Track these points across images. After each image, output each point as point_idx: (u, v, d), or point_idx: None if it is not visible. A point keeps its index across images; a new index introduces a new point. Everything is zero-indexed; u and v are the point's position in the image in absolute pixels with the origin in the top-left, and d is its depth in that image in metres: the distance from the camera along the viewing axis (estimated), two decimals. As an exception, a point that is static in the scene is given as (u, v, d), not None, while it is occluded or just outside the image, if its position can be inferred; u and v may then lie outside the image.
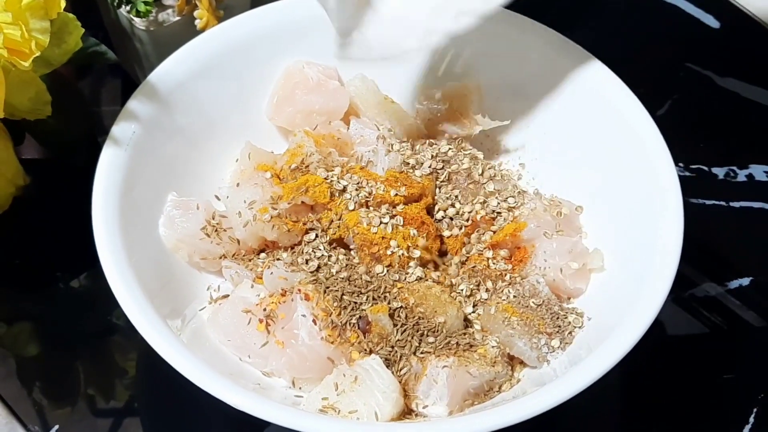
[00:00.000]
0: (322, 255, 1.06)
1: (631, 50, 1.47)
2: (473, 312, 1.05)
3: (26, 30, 0.93)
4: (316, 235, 1.08)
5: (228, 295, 1.06)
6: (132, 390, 1.13)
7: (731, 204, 1.31)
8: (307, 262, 1.06)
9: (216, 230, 1.08)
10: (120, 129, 1.05)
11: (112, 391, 1.12)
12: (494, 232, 1.11)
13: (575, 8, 1.48)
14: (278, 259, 1.07)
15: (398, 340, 0.99)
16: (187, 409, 1.06)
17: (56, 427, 1.08)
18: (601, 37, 1.42)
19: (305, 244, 1.08)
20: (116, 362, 1.15)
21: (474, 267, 1.08)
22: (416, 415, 0.97)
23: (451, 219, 1.13)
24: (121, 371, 1.14)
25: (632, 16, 1.55)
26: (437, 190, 1.15)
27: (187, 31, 1.21)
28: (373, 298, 1.01)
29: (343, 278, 1.02)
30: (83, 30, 1.04)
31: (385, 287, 1.02)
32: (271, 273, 1.03)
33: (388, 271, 1.05)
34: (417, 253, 1.05)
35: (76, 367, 1.14)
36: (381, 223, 1.06)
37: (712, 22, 1.52)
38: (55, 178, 1.27)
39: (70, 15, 1.02)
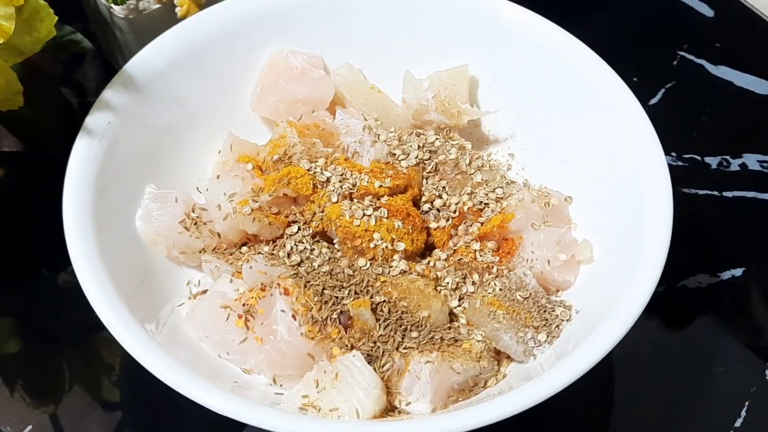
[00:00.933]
0: (305, 248, 1.05)
1: (624, 39, 1.47)
2: (459, 306, 1.04)
3: (-12, 16, 0.91)
4: (299, 228, 1.07)
5: (207, 290, 1.05)
6: (118, 388, 1.12)
7: (724, 194, 1.29)
8: (288, 255, 1.04)
9: (195, 223, 1.07)
10: (94, 120, 1.03)
11: (96, 390, 1.11)
12: (482, 224, 1.10)
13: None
14: (259, 253, 1.05)
15: (381, 335, 0.97)
16: (175, 406, 1.04)
17: (30, 427, 1.06)
18: (593, 25, 1.41)
19: (287, 238, 1.06)
20: (102, 359, 1.13)
21: (460, 259, 1.06)
22: (399, 412, 0.96)
23: (438, 210, 1.12)
24: (107, 368, 1.13)
25: (626, 4, 1.54)
26: (424, 181, 1.13)
27: (167, 18, 1.19)
28: (356, 293, 0.99)
29: (324, 272, 1.01)
30: (56, 18, 1.02)
31: (368, 281, 1.00)
32: (250, 267, 1.02)
33: (371, 264, 1.03)
34: (401, 246, 1.03)
35: (58, 365, 1.13)
36: (364, 215, 1.04)
37: (705, 10, 1.51)
38: (32, 171, 1.26)
39: (42, 2, 1.00)
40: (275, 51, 1.19)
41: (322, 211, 1.06)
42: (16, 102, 1.04)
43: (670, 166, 1.01)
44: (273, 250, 1.06)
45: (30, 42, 1.02)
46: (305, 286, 0.98)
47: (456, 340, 0.99)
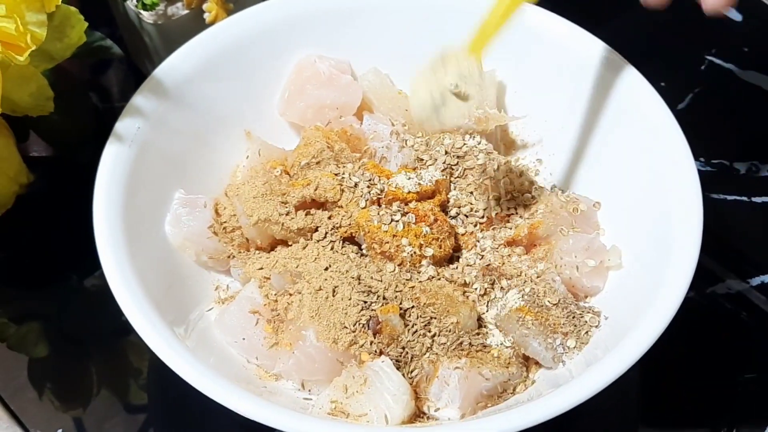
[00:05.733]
0: (333, 253, 1.04)
1: (651, 43, 1.46)
2: (487, 311, 1.03)
3: (21, 23, 0.91)
4: (326, 233, 1.06)
5: (235, 295, 1.05)
6: (144, 392, 1.11)
7: (753, 199, 1.28)
8: (316, 260, 1.03)
9: (224, 228, 1.07)
10: (124, 125, 1.04)
11: (123, 393, 1.11)
12: (510, 229, 1.09)
13: (596, 1, 1.46)
14: (287, 258, 1.05)
15: (409, 340, 0.97)
16: (202, 411, 1.04)
17: (59, 431, 1.06)
18: (621, 30, 1.40)
19: (315, 242, 1.06)
20: (129, 363, 1.13)
21: (489, 265, 1.06)
22: (428, 418, 0.96)
23: (466, 216, 1.11)
24: (134, 372, 1.13)
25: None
26: (452, 186, 1.12)
27: (196, 24, 1.20)
28: (384, 298, 0.98)
29: (353, 277, 1.00)
30: (86, 24, 1.03)
31: (396, 286, 1.00)
32: (279, 272, 1.01)
33: (399, 269, 1.02)
34: (429, 252, 1.03)
35: (86, 369, 1.13)
36: (392, 220, 1.03)
37: (734, 15, 1.50)
38: (62, 176, 1.26)
39: (72, 8, 1.01)
40: (303, 56, 1.19)
41: (350, 216, 1.05)
42: (47, 107, 1.05)
43: (698, 171, 1.01)
44: (300, 254, 1.06)
45: (61, 48, 1.02)
46: (333, 291, 0.98)
47: (484, 346, 0.99)
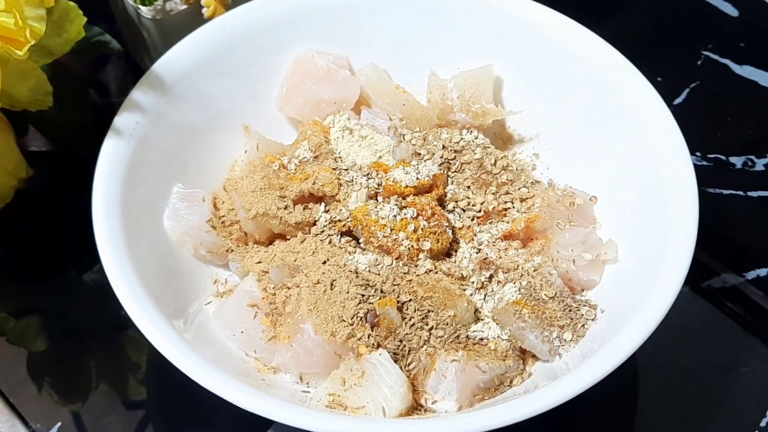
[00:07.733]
0: (331, 247, 1.04)
1: (648, 38, 1.46)
2: (484, 305, 1.03)
3: (20, 18, 0.91)
4: (324, 227, 1.06)
5: (234, 289, 1.05)
6: (143, 386, 1.12)
7: (749, 193, 1.29)
8: (314, 254, 1.04)
9: (222, 222, 1.07)
10: (123, 120, 1.04)
11: (122, 387, 1.11)
12: (507, 223, 1.10)
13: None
14: (285, 252, 1.05)
15: (407, 333, 0.97)
16: (199, 404, 1.04)
17: (59, 424, 1.07)
18: (618, 25, 1.41)
19: (313, 236, 1.06)
20: (128, 357, 1.14)
21: (486, 258, 1.06)
22: (425, 410, 0.96)
23: (463, 210, 1.12)
24: (133, 366, 1.13)
25: (650, 3, 1.53)
26: (449, 180, 1.13)
27: (194, 19, 1.20)
28: (382, 291, 0.99)
29: (351, 270, 1.00)
30: (85, 19, 1.03)
31: (394, 279, 1.00)
32: (277, 266, 1.02)
33: (397, 263, 1.02)
34: (427, 245, 1.03)
35: (85, 363, 1.13)
36: (390, 214, 1.04)
37: (730, 10, 1.51)
38: (61, 171, 1.26)
39: (71, 3, 1.01)
40: (301, 51, 1.20)
41: (348, 211, 1.06)
42: (46, 102, 1.05)
43: (694, 166, 1.01)
44: (299, 248, 1.06)
45: (60, 43, 1.03)
46: (331, 284, 0.99)
47: (482, 339, 0.99)
